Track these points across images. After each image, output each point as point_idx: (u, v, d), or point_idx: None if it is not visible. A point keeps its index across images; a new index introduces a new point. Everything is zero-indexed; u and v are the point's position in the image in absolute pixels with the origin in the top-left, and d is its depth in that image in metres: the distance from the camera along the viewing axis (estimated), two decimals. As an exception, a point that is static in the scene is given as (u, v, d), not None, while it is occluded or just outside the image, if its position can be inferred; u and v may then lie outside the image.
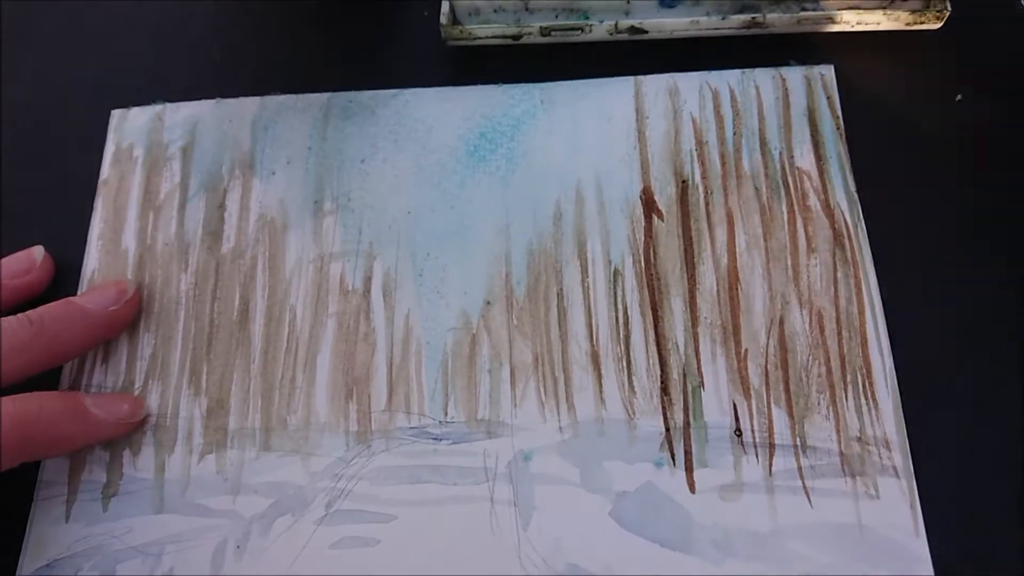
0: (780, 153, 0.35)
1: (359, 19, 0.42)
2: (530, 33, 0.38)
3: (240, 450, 0.33)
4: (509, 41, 0.38)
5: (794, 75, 0.37)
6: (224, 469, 0.33)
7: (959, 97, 0.36)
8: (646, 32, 0.37)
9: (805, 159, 0.35)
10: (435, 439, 0.32)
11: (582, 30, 0.38)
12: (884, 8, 0.37)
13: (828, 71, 0.37)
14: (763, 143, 0.36)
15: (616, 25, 0.37)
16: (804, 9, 0.37)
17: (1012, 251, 0.33)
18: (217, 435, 0.33)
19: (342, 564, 0.30)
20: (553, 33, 0.38)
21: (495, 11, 0.38)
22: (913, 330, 0.32)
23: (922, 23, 0.37)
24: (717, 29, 0.37)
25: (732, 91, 0.37)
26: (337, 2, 0.42)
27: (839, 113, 0.36)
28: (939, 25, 0.37)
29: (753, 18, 0.37)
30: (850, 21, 0.37)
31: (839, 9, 0.37)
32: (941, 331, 0.32)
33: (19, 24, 0.44)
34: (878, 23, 0.37)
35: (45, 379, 0.35)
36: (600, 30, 0.38)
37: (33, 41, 0.43)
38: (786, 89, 0.37)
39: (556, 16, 0.38)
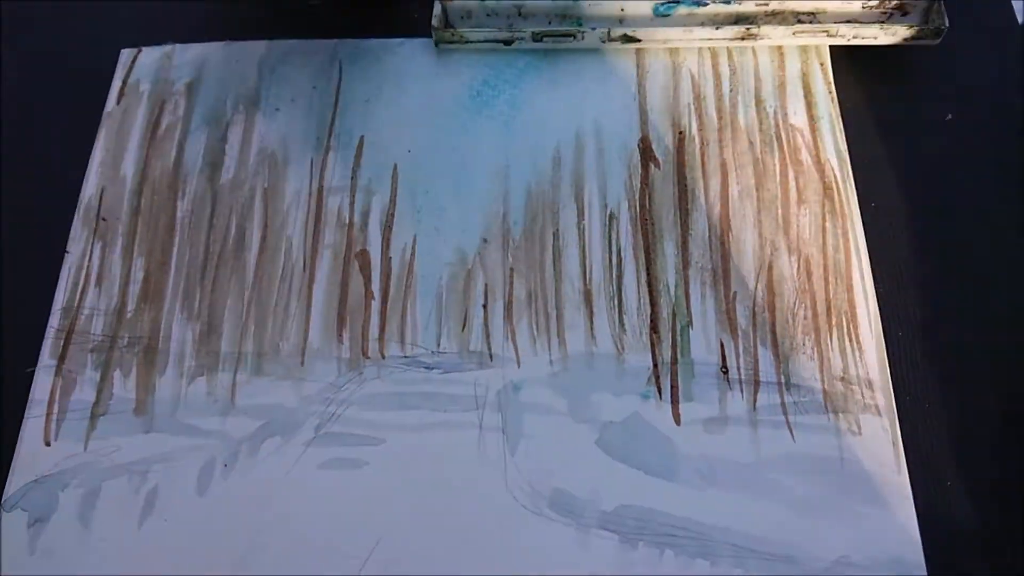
0: (774, 110, 0.36)
1: (351, 19, 0.41)
2: (522, 38, 0.38)
3: (231, 373, 0.33)
4: (500, 46, 0.38)
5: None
6: (215, 391, 0.33)
7: (949, 116, 0.36)
8: (639, 41, 0.37)
9: (798, 117, 0.36)
10: (427, 368, 0.33)
11: (574, 37, 0.37)
12: (881, 23, 0.36)
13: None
14: (758, 100, 0.37)
15: (609, 33, 0.37)
16: (800, 21, 0.37)
17: (992, 197, 0.34)
18: (209, 359, 0.34)
19: (330, 484, 0.31)
20: (545, 39, 0.38)
21: (488, 15, 0.38)
22: (897, 278, 0.33)
23: (919, 39, 0.36)
24: (711, 40, 0.37)
25: (730, 51, 0.38)
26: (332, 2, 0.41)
27: (831, 78, 0.37)
28: (936, 41, 0.36)
29: (748, 29, 0.37)
30: (846, 35, 0.36)
31: (835, 22, 0.37)
32: (924, 278, 0.33)
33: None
34: (875, 38, 0.36)
35: (42, 298, 0.35)
36: (593, 37, 0.37)
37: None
38: (781, 54, 0.38)
39: (549, 22, 0.38)
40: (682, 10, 0.37)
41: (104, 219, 0.37)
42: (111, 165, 0.38)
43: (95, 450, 0.32)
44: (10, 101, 0.41)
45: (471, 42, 0.38)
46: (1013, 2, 0.38)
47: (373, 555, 0.29)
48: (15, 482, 0.32)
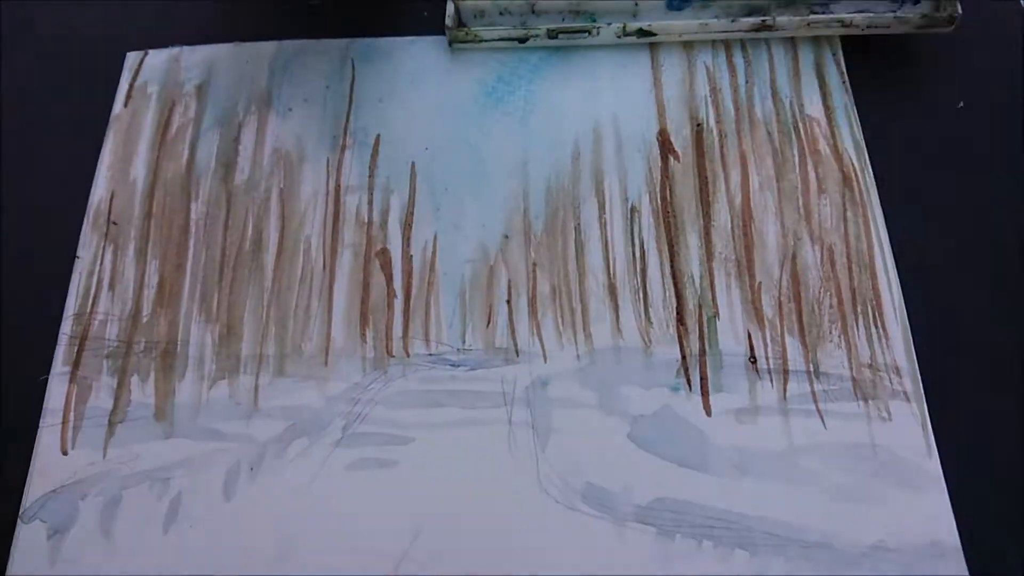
0: (790, 101, 0.37)
1: (356, 18, 0.41)
2: (537, 35, 0.38)
3: (253, 376, 0.33)
4: (515, 44, 0.38)
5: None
6: (237, 394, 0.32)
7: (961, 104, 0.36)
8: (655, 35, 0.37)
9: (814, 107, 0.36)
10: (453, 365, 0.32)
11: (589, 32, 0.37)
12: (894, 12, 0.37)
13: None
14: (774, 92, 0.37)
15: (624, 27, 0.37)
16: (813, 12, 0.37)
17: (1008, 180, 0.35)
18: (229, 361, 0.33)
19: (359, 484, 0.30)
20: (560, 36, 0.37)
21: (501, 13, 0.38)
22: (921, 264, 0.33)
23: (932, 27, 0.36)
24: (726, 32, 0.37)
25: (743, 43, 0.38)
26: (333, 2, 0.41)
27: (844, 68, 0.37)
28: (950, 29, 0.36)
29: (763, 21, 0.37)
30: (860, 24, 0.37)
31: (849, 12, 0.37)
32: (945, 263, 0.33)
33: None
34: (888, 27, 0.37)
35: (54, 305, 0.35)
36: (608, 32, 0.37)
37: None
38: (794, 45, 0.38)
39: (563, 19, 0.38)
40: (696, 3, 0.37)
41: (115, 223, 0.36)
42: (120, 168, 0.37)
43: (114, 458, 0.32)
44: (14, 105, 0.40)
45: (485, 41, 0.38)
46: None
47: (407, 555, 0.29)
48: (33, 492, 0.31)
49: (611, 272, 0.34)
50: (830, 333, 0.32)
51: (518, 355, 0.32)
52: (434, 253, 0.34)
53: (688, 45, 0.38)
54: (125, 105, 0.39)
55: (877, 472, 0.29)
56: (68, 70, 0.41)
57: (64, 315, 0.35)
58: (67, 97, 0.40)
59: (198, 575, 0.29)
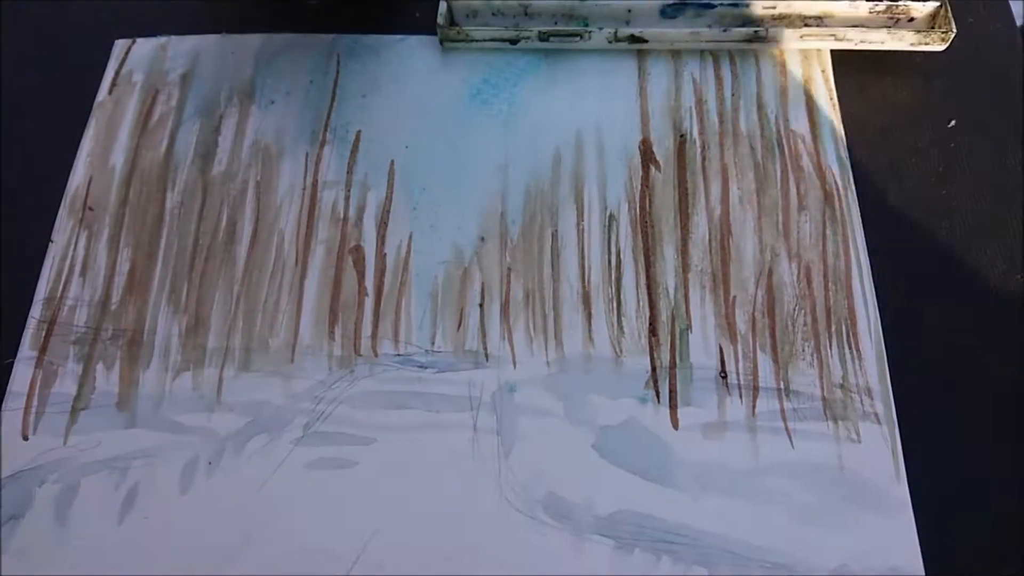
0: (776, 116, 0.36)
1: (351, 18, 0.40)
2: (528, 37, 0.37)
3: (218, 369, 0.32)
4: (506, 45, 0.38)
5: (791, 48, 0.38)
6: (200, 387, 0.32)
7: (952, 123, 0.36)
8: (646, 41, 0.37)
9: (800, 123, 0.36)
10: (420, 367, 0.32)
11: (581, 36, 0.37)
12: (888, 27, 0.36)
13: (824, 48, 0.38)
14: (760, 106, 0.36)
15: (616, 33, 0.37)
16: (807, 25, 0.37)
17: (994, 203, 0.34)
18: (195, 353, 0.33)
19: (317, 484, 0.30)
20: (552, 39, 0.37)
21: (493, 14, 0.38)
22: (898, 286, 0.32)
23: (927, 44, 0.36)
24: (718, 42, 0.37)
25: (732, 56, 0.38)
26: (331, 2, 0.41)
27: (832, 85, 0.37)
28: (944, 47, 0.36)
29: (755, 32, 0.36)
30: (853, 39, 0.36)
31: (843, 27, 0.37)
32: (925, 286, 0.33)
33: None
34: (882, 42, 0.36)
35: (25, 289, 0.34)
36: (600, 37, 0.37)
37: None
38: (783, 59, 0.38)
39: (555, 22, 0.38)
40: (689, 12, 0.37)
41: (91, 208, 0.36)
42: (100, 155, 0.37)
43: (75, 445, 0.31)
44: (5, 92, 0.40)
45: (476, 41, 0.38)
46: (1011, 4, 0.38)
47: (361, 557, 0.29)
48: (-10, 477, 0.31)
49: (586, 280, 0.33)
50: (803, 351, 0.31)
51: (487, 359, 0.32)
52: (408, 253, 0.34)
53: (676, 55, 0.38)
54: (110, 93, 0.39)
55: (843, 494, 0.29)
56: (60, 57, 0.41)
57: (35, 299, 0.34)
58: (56, 84, 0.40)
59: (148, 574, 0.29)
